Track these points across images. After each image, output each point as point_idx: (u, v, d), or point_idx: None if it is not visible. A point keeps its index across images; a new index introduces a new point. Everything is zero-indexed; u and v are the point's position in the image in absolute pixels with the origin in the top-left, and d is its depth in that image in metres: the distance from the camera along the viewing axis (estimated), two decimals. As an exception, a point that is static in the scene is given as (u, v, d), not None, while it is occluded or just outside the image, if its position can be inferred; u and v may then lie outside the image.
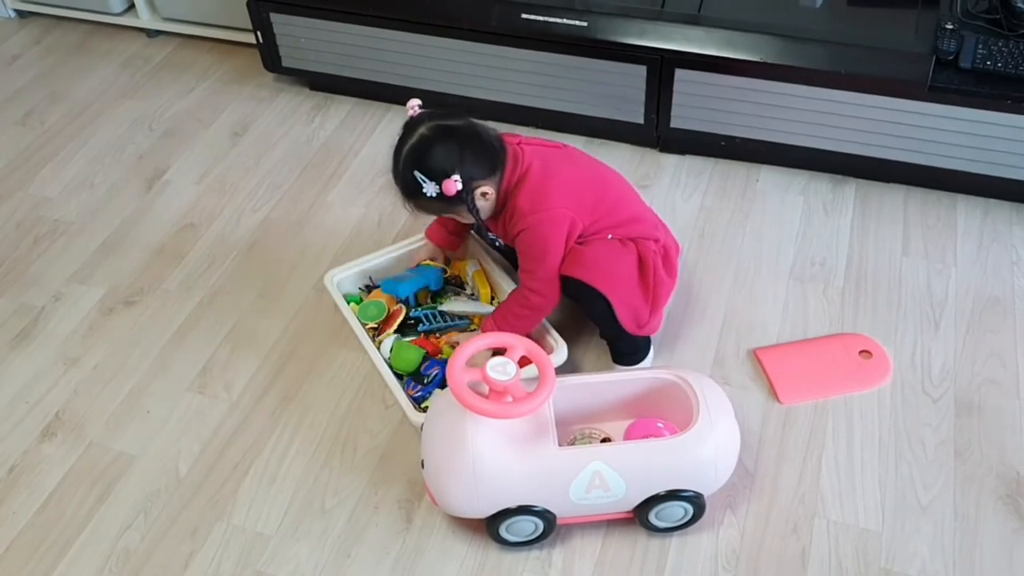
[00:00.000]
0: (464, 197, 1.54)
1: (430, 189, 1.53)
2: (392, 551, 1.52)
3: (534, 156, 1.62)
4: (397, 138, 1.58)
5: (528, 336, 1.55)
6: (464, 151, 1.55)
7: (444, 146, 1.54)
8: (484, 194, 1.58)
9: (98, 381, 1.79)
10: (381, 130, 2.35)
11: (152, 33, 2.72)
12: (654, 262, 1.65)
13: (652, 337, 1.74)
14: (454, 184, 1.51)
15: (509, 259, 1.84)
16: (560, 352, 1.66)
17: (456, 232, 1.85)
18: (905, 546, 1.49)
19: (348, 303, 1.81)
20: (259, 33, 2.36)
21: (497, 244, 1.73)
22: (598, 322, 1.69)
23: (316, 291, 1.93)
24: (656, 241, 1.68)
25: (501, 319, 1.65)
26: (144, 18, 2.67)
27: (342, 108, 2.42)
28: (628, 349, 1.72)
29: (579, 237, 1.61)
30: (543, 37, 2.10)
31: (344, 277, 1.85)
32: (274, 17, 2.31)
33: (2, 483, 1.63)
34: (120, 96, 2.52)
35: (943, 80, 1.90)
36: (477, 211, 1.59)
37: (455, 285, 1.89)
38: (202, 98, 2.49)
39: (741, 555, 1.49)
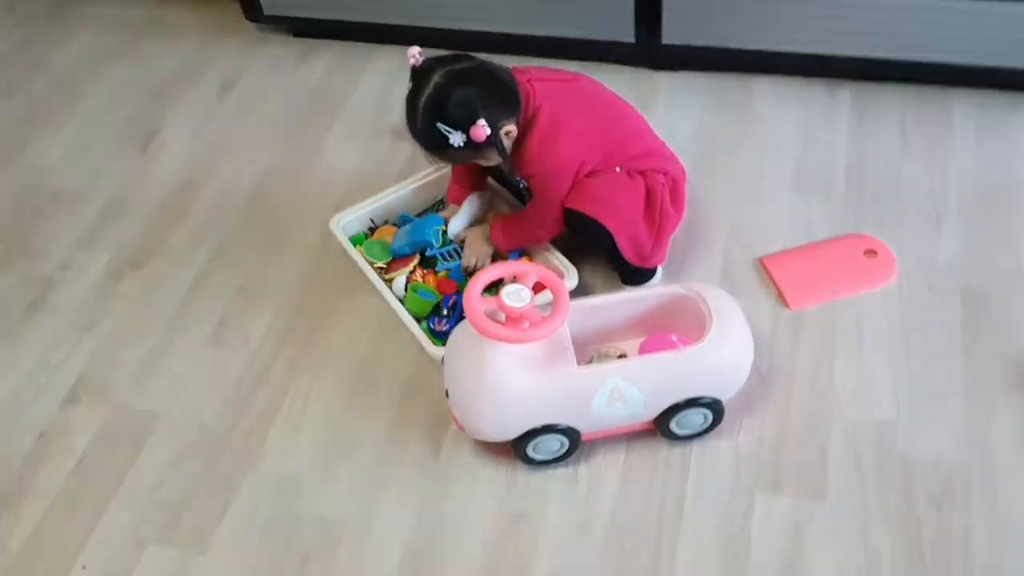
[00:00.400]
0: (493, 140, 1.53)
1: (457, 139, 1.50)
2: (422, 481, 1.55)
3: (544, 96, 1.59)
4: (409, 91, 1.55)
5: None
6: (484, 93, 1.51)
7: (464, 92, 1.50)
8: (508, 133, 1.56)
9: (116, 344, 1.81)
10: (370, 72, 2.34)
11: (130, -7, 2.69)
12: (662, 196, 1.66)
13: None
14: (483, 130, 1.49)
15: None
16: (571, 278, 1.68)
17: (474, 186, 1.83)
18: (921, 435, 1.53)
19: (354, 245, 1.82)
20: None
21: (521, 186, 1.71)
22: (602, 252, 1.71)
23: (323, 236, 1.94)
24: (665, 174, 1.69)
25: (508, 231, 1.70)
26: (120, -22, 2.64)
27: (328, 53, 2.41)
28: (634, 273, 1.73)
29: (588, 173, 1.62)
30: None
31: (349, 221, 1.85)
32: (253, -37, 2.28)
33: (32, 450, 1.66)
34: (104, 60, 2.50)
35: (931, -28, 1.88)
36: (507, 152, 1.58)
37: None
38: (186, 55, 2.47)
39: (761, 456, 1.52)
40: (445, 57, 1.56)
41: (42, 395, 1.74)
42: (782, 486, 1.49)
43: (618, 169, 1.64)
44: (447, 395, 1.51)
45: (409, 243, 1.81)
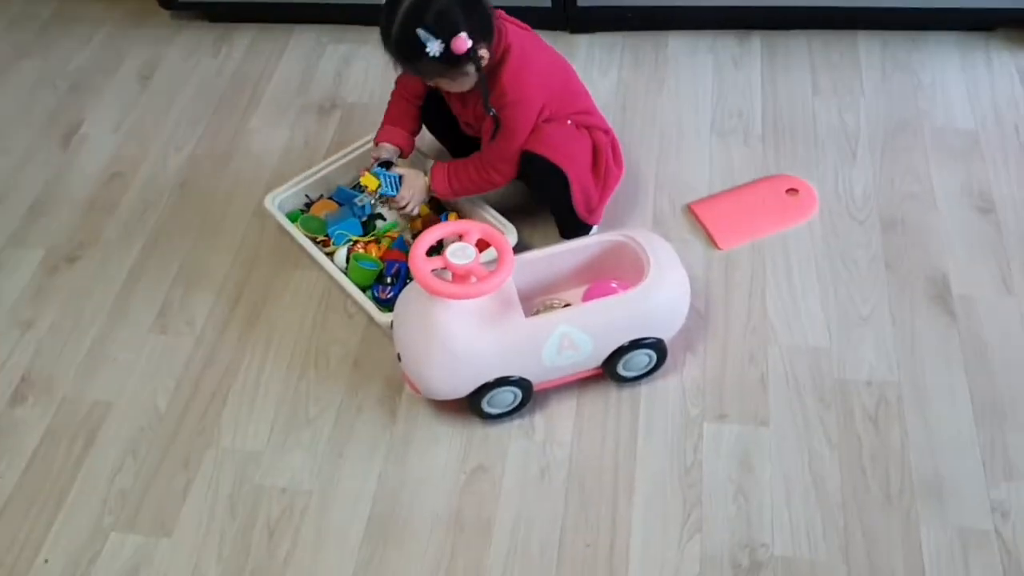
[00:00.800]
0: (472, 56, 1.49)
1: (434, 48, 1.45)
2: (381, 445, 1.58)
3: (514, 34, 1.60)
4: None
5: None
6: (467, 10, 1.47)
7: (447, 1, 1.46)
8: (481, 57, 1.52)
9: (58, 338, 1.79)
10: (289, 51, 2.33)
11: (33, -12, 2.62)
12: (605, 150, 1.72)
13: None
14: (464, 42, 1.45)
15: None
16: (511, 235, 1.72)
17: (412, 130, 1.79)
18: (853, 356, 1.61)
19: (291, 222, 1.83)
20: (148, -30, 2.30)
21: (491, 113, 1.61)
22: (551, 200, 1.75)
23: (257, 217, 1.95)
24: (606, 132, 1.74)
25: (455, 175, 1.69)
26: (21, -27, 2.57)
27: (245, 35, 2.39)
28: (577, 226, 1.78)
29: (545, 119, 1.65)
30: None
31: (284, 198, 1.86)
32: (162, -50, 2.25)
33: (-17, 451, 1.64)
34: (14, 58, 2.44)
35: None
36: (483, 72, 1.54)
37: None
38: (101, 47, 2.43)
39: (706, 389, 1.59)
40: None
41: (-15, 396, 1.72)
42: (727, 415, 1.56)
43: (569, 122, 1.68)
44: (399, 359, 1.54)
45: (343, 225, 1.83)
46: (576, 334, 1.48)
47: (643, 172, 1.93)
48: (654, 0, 2.15)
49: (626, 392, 1.60)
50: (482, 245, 1.49)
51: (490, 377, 1.49)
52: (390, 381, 1.66)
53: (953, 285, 1.68)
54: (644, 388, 1.61)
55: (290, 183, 1.87)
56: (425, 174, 1.73)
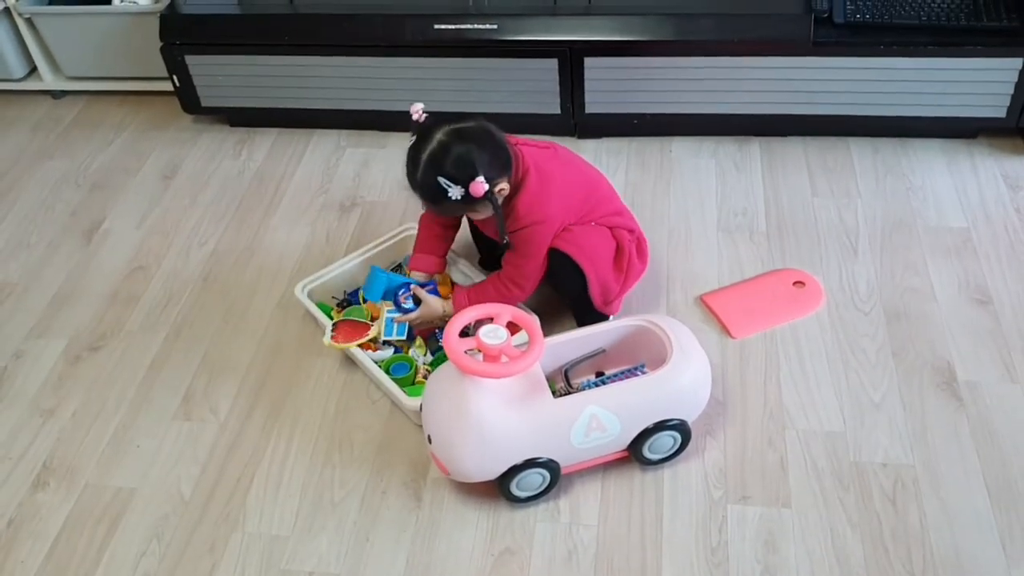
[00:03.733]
0: (489, 196, 1.60)
1: (455, 193, 1.58)
2: (408, 529, 1.59)
3: (531, 159, 1.71)
4: (412, 145, 1.62)
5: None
6: (483, 152, 1.60)
7: (464, 149, 1.58)
8: (501, 191, 1.65)
9: (80, 426, 1.81)
10: (310, 152, 2.43)
11: (58, 94, 2.72)
12: (629, 248, 1.81)
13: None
14: (481, 186, 1.57)
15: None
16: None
17: (443, 253, 1.89)
18: (868, 440, 1.66)
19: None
20: (175, 77, 2.40)
21: (504, 241, 1.74)
22: (569, 294, 1.81)
23: (280, 308, 1.99)
24: (631, 231, 1.83)
25: (475, 296, 1.76)
26: (48, 80, 2.68)
27: (266, 139, 2.49)
28: (593, 317, 1.83)
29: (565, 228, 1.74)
30: (457, 44, 2.24)
31: (313, 288, 1.91)
32: (189, 59, 2.36)
33: (3, 536, 1.63)
34: (37, 159, 2.52)
35: (823, 36, 2.12)
36: (500, 208, 1.66)
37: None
38: (123, 149, 2.52)
39: (728, 472, 1.63)
40: (448, 115, 1.63)
41: (7, 483, 1.72)
42: (750, 497, 1.59)
43: (592, 224, 1.77)
44: (429, 441, 1.57)
45: (378, 289, 1.87)
46: (604, 415, 1.52)
47: (655, 266, 2.01)
48: (658, 108, 2.28)
49: (649, 475, 1.63)
50: (512, 328, 1.55)
51: (520, 458, 1.51)
52: (414, 464, 1.68)
53: (959, 372, 1.75)
54: (667, 471, 1.64)
55: (319, 272, 1.93)
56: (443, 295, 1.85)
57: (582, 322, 1.85)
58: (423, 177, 1.60)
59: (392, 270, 1.99)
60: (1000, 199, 2.11)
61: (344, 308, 1.92)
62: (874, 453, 1.64)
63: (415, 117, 1.64)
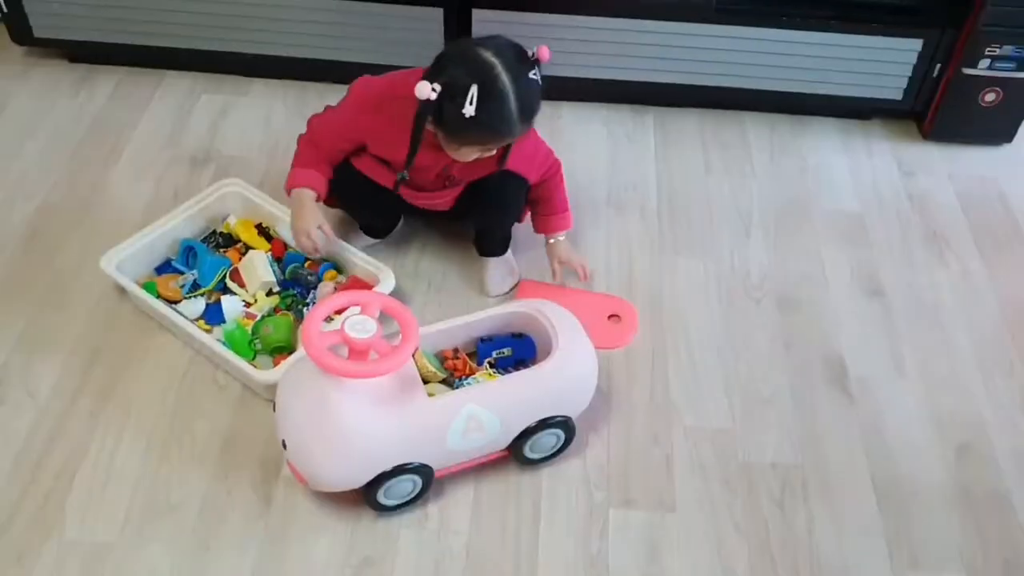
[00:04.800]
0: None
1: (539, 75, 1.49)
2: (255, 536, 1.41)
3: None
4: (481, 97, 1.41)
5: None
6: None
7: (507, 40, 1.50)
8: None
9: None
10: (160, 97, 2.16)
11: None
12: None
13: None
14: (545, 51, 1.50)
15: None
16: (387, 279, 1.64)
17: (329, 178, 1.67)
18: (756, 439, 1.57)
19: (152, 295, 1.66)
20: (2, 2, 2.09)
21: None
22: (510, 211, 1.74)
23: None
24: None
25: (561, 201, 1.74)
26: None
27: (110, 79, 2.20)
28: (505, 237, 1.79)
29: None
30: (332, -16, 2.01)
31: (127, 257, 1.68)
32: (18, -19, 2.06)
33: None
34: None
35: (726, 2, 1.99)
36: None
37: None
38: (-62, 82, 2.19)
39: (610, 472, 1.51)
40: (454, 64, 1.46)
41: None
42: (634, 500, 1.48)
43: None
44: (283, 446, 1.38)
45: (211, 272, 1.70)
46: (483, 414, 1.37)
47: (538, 240, 1.86)
48: (550, 70, 2.09)
49: (527, 476, 1.50)
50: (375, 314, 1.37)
51: (389, 465, 1.35)
52: (265, 462, 1.50)
53: (849, 367, 1.68)
54: (546, 471, 1.51)
55: (128, 241, 1.70)
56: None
57: (501, 240, 1.77)
58: (527, 90, 1.46)
59: (205, 239, 1.79)
60: (893, 185, 2.05)
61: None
62: (763, 453, 1.55)
63: (433, 97, 1.42)
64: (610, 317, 1.74)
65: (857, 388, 1.65)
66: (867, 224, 1.96)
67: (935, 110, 2.11)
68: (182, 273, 1.73)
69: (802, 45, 2.03)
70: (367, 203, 1.75)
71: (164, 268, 1.76)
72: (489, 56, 1.44)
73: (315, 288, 1.70)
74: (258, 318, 1.65)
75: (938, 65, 2.04)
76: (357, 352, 1.28)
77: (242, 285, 1.70)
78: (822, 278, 1.84)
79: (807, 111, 2.21)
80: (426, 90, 1.41)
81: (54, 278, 1.75)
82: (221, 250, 1.77)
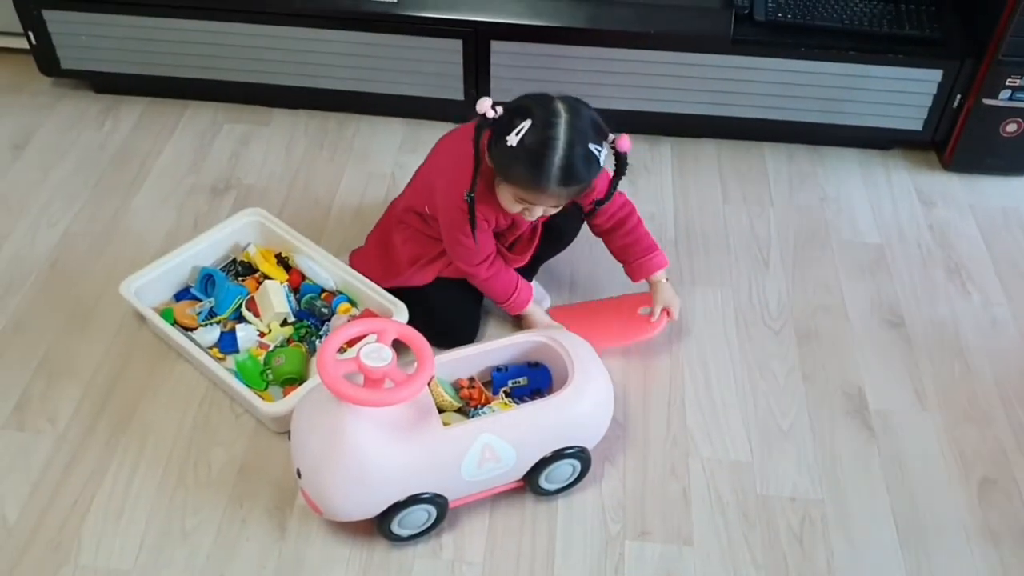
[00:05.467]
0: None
1: (603, 155, 1.44)
2: (269, 565, 1.41)
3: None
4: (532, 134, 1.39)
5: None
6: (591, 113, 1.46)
7: (591, 111, 1.45)
8: None
9: None
10: (183, 127, 2.19)
11: None
12: None
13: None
14: (627, 140, 1.45)
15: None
16: (401, 314, 1.63)
17: None
18: (775, 471, 1.55)
19: (169, 322, 1.68)
20: (31, 34, 2.13)
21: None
22: (566, 240, 1.77)
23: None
24: None
25: (649, 241, 1.70)
26: None
27: (134, 109, 2.23)
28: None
29: None
30: (353, 16, 2.03)
31: (146, 283, 1.70)
32: (48, 15, 2.09)
33: None
34: None
35: (743, 34, 2.00)
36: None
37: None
38: (-32, 111, 2.23)
39: (627, 504, 1.49)
40: (527, 99, 1.45)
41: None
42: (650, 532, 1.46)
43: None
44: (298, 475, 1.38)
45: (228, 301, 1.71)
46: (499, 444, 1.36)
47: (554, 267, 1.85)
48: (567, 99, 2.13)
49: (542, 506, 1.49)
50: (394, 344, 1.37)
51: (403, 495, 1.34)
52: (280, 490, 1.49)
53: (870, 400, 1.66)
54: (561, 502, 1.49)
55: (148, 268, 1.71)
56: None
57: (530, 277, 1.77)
58: (578, 151, 1.40)
59: (225, 267, 1.80)
60: (914, 216, 2.04)
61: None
62: (782, 486, 1.53)
63: (490, 115, 1.42)
64: (642, 309, 1.74)
65: (877, 421, 1.63)
66: (887, 255, 1.94)
67: (956, 141, 2.10)
68: (200, 300, 1.74)
69: (821, 76, 2.03)
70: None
71: (183, 295, 1.77)
72: (561, 108, 1.41)
73: (329, 320, 1.70)
74: (271, 348, 1.65)
75: (958, 96, 2.03)
76: (372, 380, 1.28)
77: (258, 315, 1.71)
78: (841, 309, 1.82)
79: (826, 141, 2.20)
80: (485, 105, 1.41)
81: (76, 305, 1.77)
82: (240, 279, 1.78)
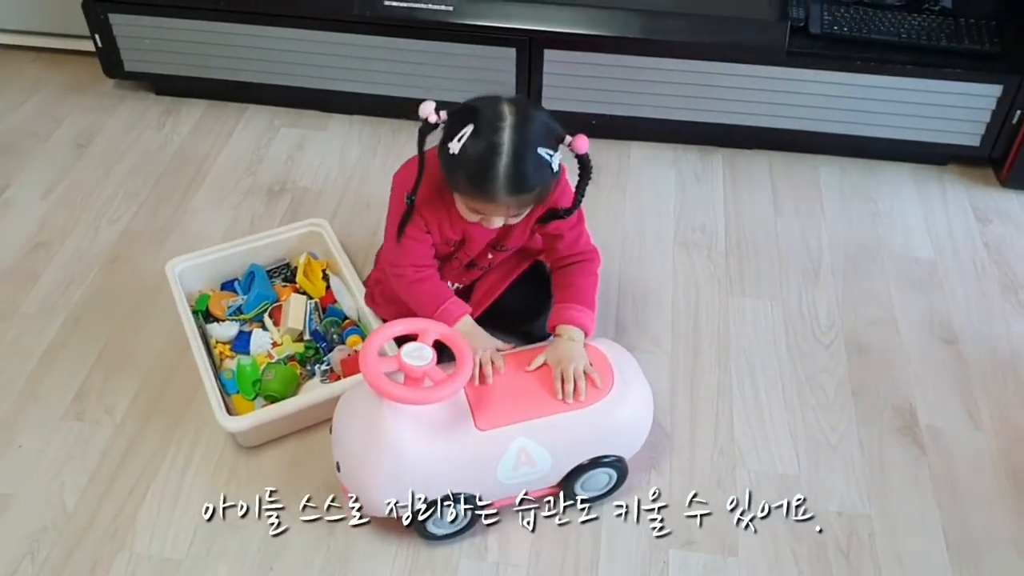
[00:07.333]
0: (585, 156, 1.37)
1: (555, 161, 1.34)
2: (317, 559, 1.43)
3: None
4: (474, 137, 1.31)
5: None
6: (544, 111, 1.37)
7: (543, 113, 1.36)
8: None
9: (-45, 420, 1.61)
10: (241, 129, 2.23)
11: (-33, 45, 2.48)
12: None
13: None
14: (584, 141, 1.34)
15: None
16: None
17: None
18: (823, 485, 1.54)
19: (201, 306, 1.73)
20: (97, 37, 2.19)
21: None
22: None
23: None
24: None
25: (588, 302, 1.52)
26: (-43, 28, 2.43)
27: (194, 111, 2.29)
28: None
29: None
30: (408, 24, 2.06)
31: (191, 267, 1.74)
32: (114, 18, 2.15)
33: None
34: (-63, 114, 2.28)
35: (798, 46, 1.99)
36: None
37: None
38: (35, 111, 2.29)
39: (672, 513, 1.49)
40: (473, 102, 1.36)
41: None
42: (695, 541, 1.46)
43: None
44: (338, 468, 1.40)
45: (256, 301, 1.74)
46: (534, 449, 1.37)
47: (605, 279, 1.85)
48: (620, 110, 2.14)
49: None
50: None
51: (439, 493, 1.36)
52: (329, 487, 1.51)
53: (921, 416, 1.64)
54: (607, 508, 1.50)
55: (198, 252, 1.76)
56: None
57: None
58: (524, 157, 1.30)
59: (275, 269, 1.83)
60: (969, 232, 2.02)
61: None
62: (829, 500, 1.52)
63: (432, 120, 1.34)
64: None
65: (929, 438, 1.61)
66: (940, 271, 1.92)
67: (1014, 157, 2.07)
68: (238, 295, 1.78)
69: (876, 89, 2.02)
70: None
71: (228, 287, 1.80)
72: (507, 112, 1.32)
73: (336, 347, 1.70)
74: (274, 360, 1.67)
75: (1018, 112, 2.01)
76: (412, 380, 1.30)
77: (278, 324, 1.73)
78: (893, 324, 1.81)
79: (880, 156, 2.19)
80: (428, 109, 1.34)
81: (135, 300, 1.82)
82: (284, 284, 1.81)
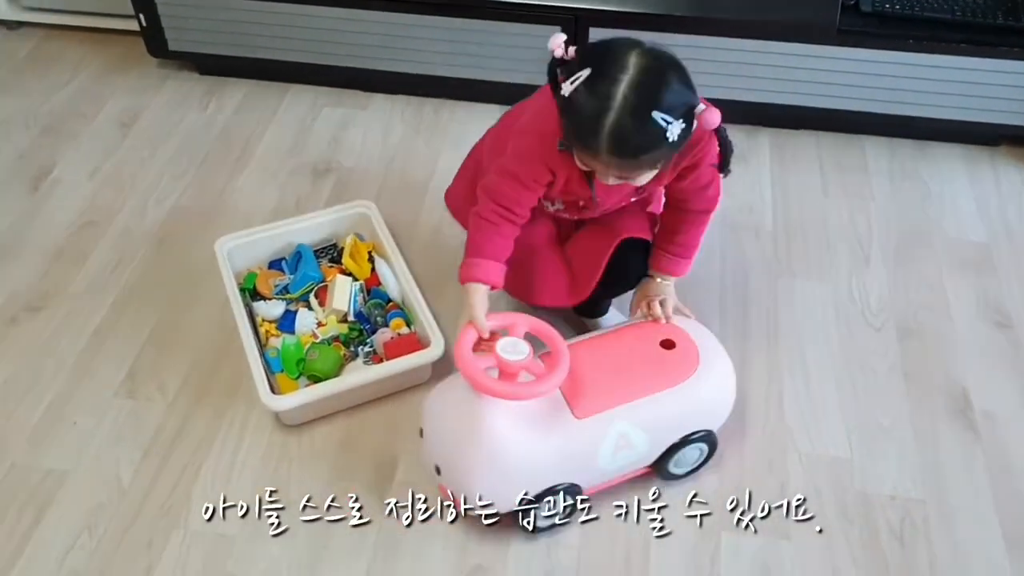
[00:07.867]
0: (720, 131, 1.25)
1: (675, 131, 1.18)
2: (370, 537, 1.44)
3: None
4: (588, 83, 1.18)
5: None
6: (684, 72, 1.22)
7: (677, 74, 1.20)
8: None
9: (10, 397, 1.62)
10: (284, 109, 2.24)
11: (13, 25, 2.49)
12: None
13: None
14: (713, 114, 1.20)
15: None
16: (437, 348, 1.58)
17: (507, 261, 1.44)
18: (875, 469, 1.53)
19: (248, 285, 1.75)
20: (142, 16, 2.20)
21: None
22: (631, 278, 1.57)
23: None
24: None
25: (689, 248, 1.52)
26: (3, 8, 2.44)
27: (238, 91, 2.29)
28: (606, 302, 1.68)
29: None
30: (453, 2, 2.05)
31: (239, 245, 1.76)
32: (159, -3, 2.16)
33: (-86, 519, 1.46)
34: (-16, 94, 2.30)
35: (849, 24, 1.96)
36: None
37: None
38: (80, 90, 2.30)
39: (724, 496, 1.48)
40: (602, 44, 1.24)
41: (-78, 456, 1.54)
42: (747, 525, 1.45)
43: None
44: (437, 471, 1.38)
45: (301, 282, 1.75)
46: (633, 432, 1.37)
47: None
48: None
49: (639, 493, 1.48)
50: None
51: (541, 487, 1.36)
52: (381, 466, 1.53)
53: (974, 400, 1.62)
54: (658, 490, 1.49)
55: (250, 231, 1.77)
56: None
57: (600, 303, 1.66)
58: (634, 114, 1.16)
59: (322, 250, 1.83)
60: (1022, 214, 1.98)
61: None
62: (882, 484, 1.51)
63: (558, 54, 1.23)
64: (663, 343, 1.47)
65: (983, 423, 1.59)
66: (993, 254, 1.89)
67: (1068, 138, 2.04)
68: (285, 274, 1.78)
69: (928, 68, 1.98)
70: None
71: (276, 265, 1.81)
72: (631, 63, 1.18)
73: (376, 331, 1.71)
74: (318, 340, 1.68)
75: (1073, 91, 1.97)
76: (508, 375, 1.29)
77: (323, 304, 1.73)
78: (945, 308, 1.78)
79: (930, 136, 2.15)
80: (558, 41, 1.23)
81: (184, 278, 1.83)
82: (331, 264, 1.81)
